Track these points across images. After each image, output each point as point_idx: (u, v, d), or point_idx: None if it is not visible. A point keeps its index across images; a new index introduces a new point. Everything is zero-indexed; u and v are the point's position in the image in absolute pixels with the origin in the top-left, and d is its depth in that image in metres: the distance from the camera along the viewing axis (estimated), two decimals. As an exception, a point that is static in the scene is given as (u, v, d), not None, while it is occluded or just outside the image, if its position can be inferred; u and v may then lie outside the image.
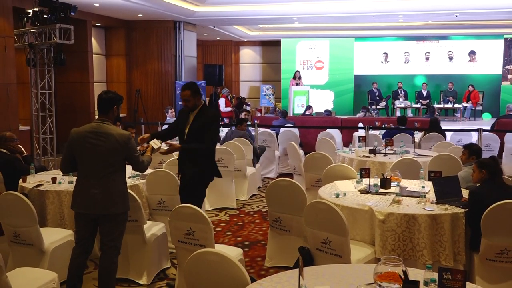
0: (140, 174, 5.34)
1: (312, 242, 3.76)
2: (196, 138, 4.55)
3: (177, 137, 4.86)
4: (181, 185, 4.73)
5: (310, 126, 11.10)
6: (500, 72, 17.09)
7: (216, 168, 4.81)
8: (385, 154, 6.83)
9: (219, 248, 3.79)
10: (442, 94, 16.45)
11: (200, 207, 4.50)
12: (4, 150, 5.45)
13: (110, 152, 3.66)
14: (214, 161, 4.80)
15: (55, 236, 4.32)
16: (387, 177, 4.65)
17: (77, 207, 3.75)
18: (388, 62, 17.82)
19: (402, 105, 15.84)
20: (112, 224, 3.74)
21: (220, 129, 10.15)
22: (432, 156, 6.35)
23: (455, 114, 15.93)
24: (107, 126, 3.69)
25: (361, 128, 9.72)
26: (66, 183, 4.96)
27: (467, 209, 3.92)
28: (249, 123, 10.60)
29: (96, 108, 3.98)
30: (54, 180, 5.02)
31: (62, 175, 5.22)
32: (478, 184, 4.18)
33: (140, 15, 12.24)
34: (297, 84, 15.97)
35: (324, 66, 17.76)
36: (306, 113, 13.38)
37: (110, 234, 3.74)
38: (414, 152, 7.02)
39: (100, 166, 3.66)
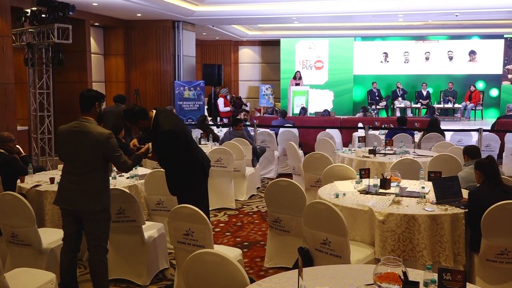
0: (139, 174, 5.35)
1: (311, 243, 3.74)
2: (163, 156, 4.40)
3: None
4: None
5: (310, 126, 11.09)
6: (500, 72, 17.08)
7: (197, 162, 4.51)
8: (385, 154, 6.81)
9: (218, 248, 3.77)
10: (442, 94, 16.45)
11: (204, 205, 4.48)
12: (2, 151, 5.44)
13: (88, 151, 3.70)
14: (193, 158, 4.50)
15: (53, 237, 4.30)
16: (387, 178, 4.64)
17: (58, 201, 3.82)
18: (388, 62, 17.80)
19: (402, 105, 15.83)
20: (92, 223, 3.76)
21: (219, 129, 10.16)
22: (432, 156, 6.33)
23: (455, 114, 15.93)
24: (87, 125, 3.73)
25: (360, 128, 9.71)
26: (64, 183, 4.93)
27: (467, 210, 3.91)
28: (248, 123, 10.60)
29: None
30: (52, 180, 5.01)
31: (61, 175, 5.20)
32: (477, 185, 4.16)
33: (139, 15, 12.21)
34: (297, 84, 15.96)
35: (323, 66, 17.73)
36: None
37: (92, 233, 3.78)
38: (414, 152, 7.00)
39: (80, 163, 3.73)
